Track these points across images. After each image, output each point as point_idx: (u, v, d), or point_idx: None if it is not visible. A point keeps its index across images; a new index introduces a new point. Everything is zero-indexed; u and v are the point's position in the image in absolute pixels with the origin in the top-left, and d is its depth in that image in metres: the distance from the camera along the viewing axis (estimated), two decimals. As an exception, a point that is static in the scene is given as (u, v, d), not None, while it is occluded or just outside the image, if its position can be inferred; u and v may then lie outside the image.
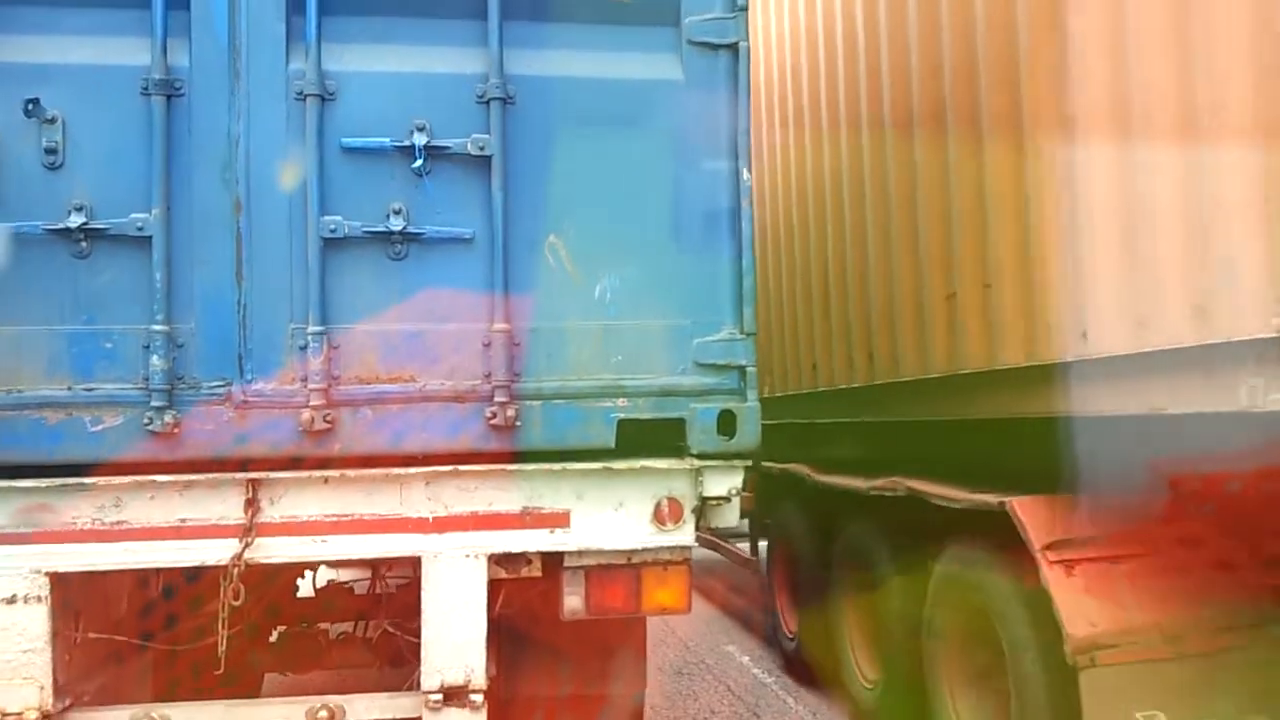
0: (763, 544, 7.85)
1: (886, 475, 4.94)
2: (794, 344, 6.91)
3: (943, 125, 4.64)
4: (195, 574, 3.03)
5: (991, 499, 3.90)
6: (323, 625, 4.12)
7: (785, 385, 7.04)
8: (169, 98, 2.82)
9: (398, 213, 2.90)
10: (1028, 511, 3.73)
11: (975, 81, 4.23)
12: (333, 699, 2.94)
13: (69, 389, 2.79)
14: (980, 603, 4.15)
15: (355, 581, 4.48)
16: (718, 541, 8.48)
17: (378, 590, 3.95)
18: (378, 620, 3.74)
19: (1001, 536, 3.79)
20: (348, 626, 4.09)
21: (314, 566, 3.65)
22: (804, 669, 6.55)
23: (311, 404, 2.84)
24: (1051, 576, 3.59)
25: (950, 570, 4.43)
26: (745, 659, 7.11)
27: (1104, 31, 3.32)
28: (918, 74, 4.82)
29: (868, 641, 5.59)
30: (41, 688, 2.73)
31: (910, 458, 5.12)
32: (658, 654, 6.86)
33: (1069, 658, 3.46)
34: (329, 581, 4.43)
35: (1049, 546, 3.63)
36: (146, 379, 2.79)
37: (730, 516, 3.15)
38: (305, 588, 4.39)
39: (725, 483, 3.06)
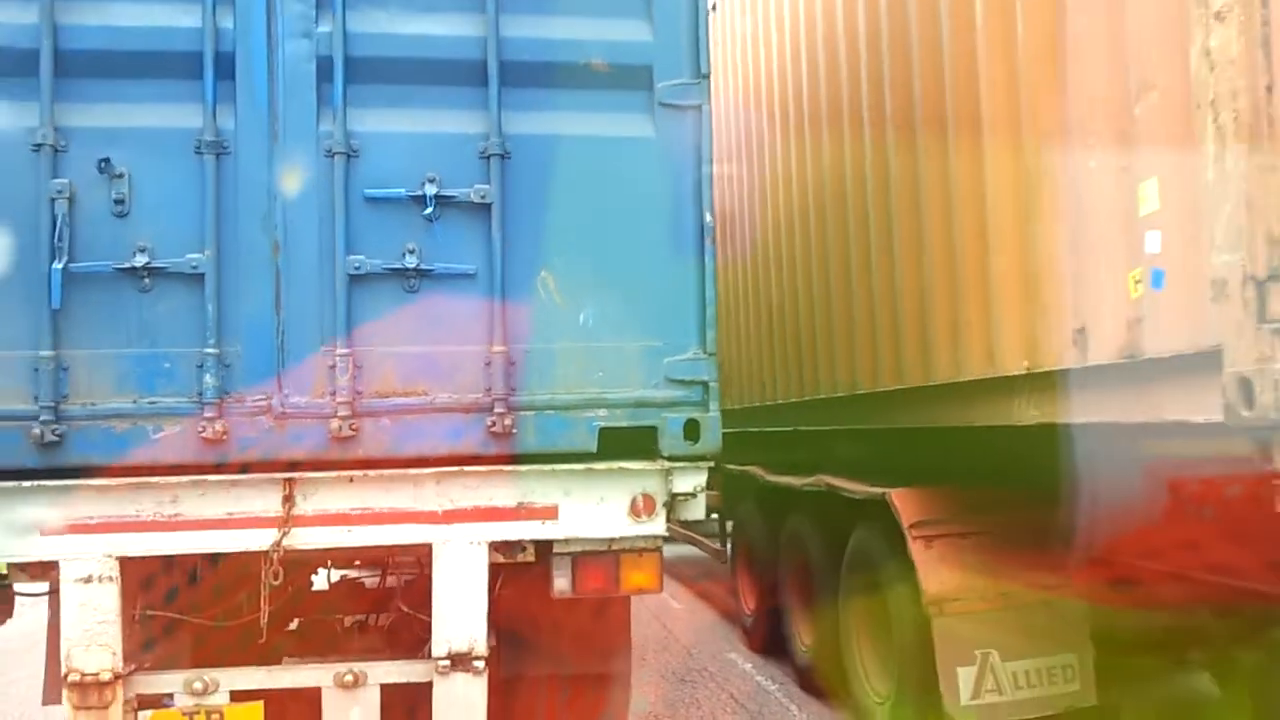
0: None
1: (816, 475, 5.88)
2: (749, 364, 7.94)
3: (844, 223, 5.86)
4: (235, 561, 3.55)
5: (878, 491, 4.92)
6: (338, 616, 4.67)
7: (744, 399, 7.98)
8: (218, 155, 3.36)
9: (412, 252, 3.45)
10: (901, 500, 4.77)
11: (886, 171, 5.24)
12: (356, 665, 3.47)
13: (134, 402, 3.32)
14: (874, 571, 5.20)
15: (365, 577, 5.04)
16: (693, 536, 9.16)
17: (387, 584, 4.51)
18: (388, 611, 4.29)
19: (890, 520, 4.77)
20: (360, 617, 4.65)
21: (340, 555, 4.13)
22: (759, 641, 7.61)
23: (339, 414, 3.38)
24: (915, 549, 4.60)
25: (857, 547, 5.50)
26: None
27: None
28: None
29: (806, 611, 6.50)
30: (113, 654, 3.26)
31: (836, 459, 6.20)
32: (660, 659, 7.48)
33: (924, 607, 4.46)
34: (342, 577, 4.98)
35: (914, 525, 4.66)
36: (200, 394, 3.32)
37: (696, 510, 3.68)
38: (319, 582, 4.95)
39: (691, 481, 3.61)
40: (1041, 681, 4.50)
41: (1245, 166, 2.88)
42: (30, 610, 3.73)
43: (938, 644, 4.48)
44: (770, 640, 7.34)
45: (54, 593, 3.43)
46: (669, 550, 6.67)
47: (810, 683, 6.44)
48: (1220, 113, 2.93)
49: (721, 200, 7.51)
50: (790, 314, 6.94)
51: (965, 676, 4.46)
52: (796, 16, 6.71)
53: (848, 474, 5.57)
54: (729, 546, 8.63)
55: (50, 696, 4.15)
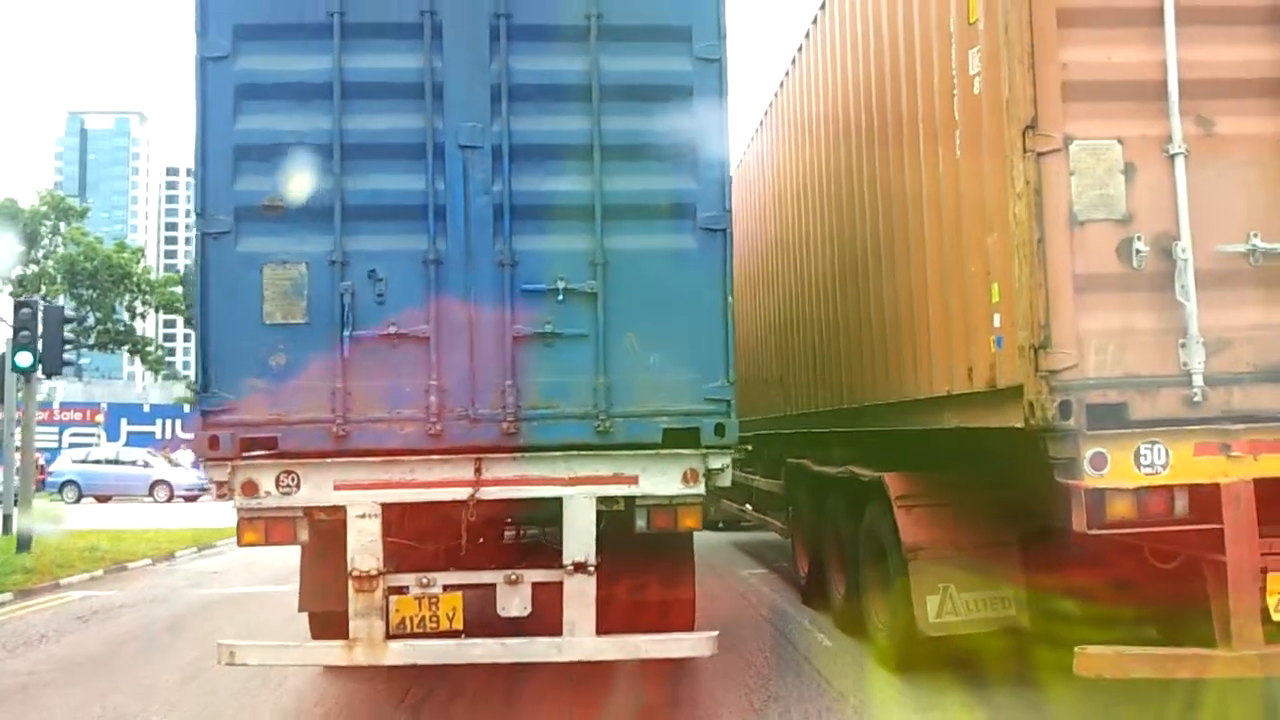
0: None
1: (846, 465, 8.08)
2: (799, 382, 10.49)
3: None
4: (447, 508, 6.02)
5: (879, 475, 7.20)
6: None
7: (800, 405, 10.35)
8: (437, 264, 5.89)
9: (549, 322, 5.90)
10: (892, 481, 7.05)
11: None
12: (515, 571, 5.98)
13: (388, 413, 5.86)
14: (878, 534, 7.37)
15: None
16: (767, 519, 11.60)
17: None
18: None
19: (887, 496, 7.01)
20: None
21: (504, 507, 6.50)
22: (810, 594, 9.93)
23: (506, 420, 5.87)
24: (899, 514, 6.83)
25: (868, 517, 7.64)
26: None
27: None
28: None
29: (839, 568, 8.70)
30: (377, 559, 5.77)
31: (862, 453, 8.33)
32: (731, 610, 9.93)
33: (904, 554, 6.68)
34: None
35: (899, 498, 6.90)
36: (426, 408, 5.85)
37: (725, 479, 6.04)
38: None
39: (720, 460, 6.00)
40: (986, 607, 6.65)
41: (1029, 282, 5.15)
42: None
43: (913, 580, 6.72)
44: (818, 595, 9.67)
45: (324, 525, 5.97)
46: (752, 535, 9.82)
47: (842, 623, 8.72)
48: (1020, 249, 5.21)
49: (769, 264, 10.47)
50: (822, 347, 9.57)
51: (932, 603, 6.66)
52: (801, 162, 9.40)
53: (867, 464, 7.81)
54: (790, 525, 11.02)
55: (304, 604, 6.84)
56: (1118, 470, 5.13)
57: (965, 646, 6.78)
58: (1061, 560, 6.37)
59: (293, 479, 5.81)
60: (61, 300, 58.29)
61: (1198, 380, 5.12)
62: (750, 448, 14.48)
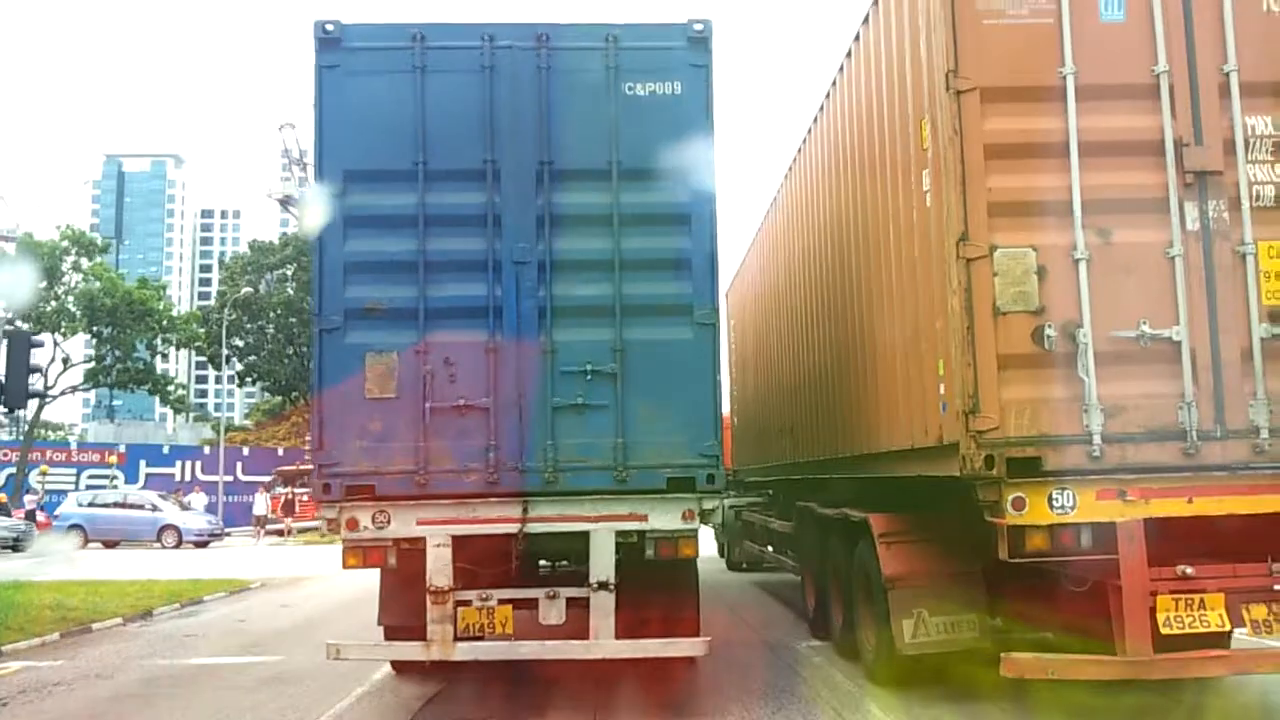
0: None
1: (840, 508, 9.53)
2: (799, 436, 12.07)
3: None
4: (500, 539, 7.73)
5: (865, 515, 8.59)
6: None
7: (806, 454, 11.84)
8: (495, 352, 7.64)
9: (580, 396, 7.66)
10: (876, 521, 8.41)
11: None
12: (553, 589, 7.67)
13: (458, 465, 7.58)
14: (866, 567, 8.70)
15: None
16: (784, 561, 13.11)
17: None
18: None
19: (872, 533, 8.37)
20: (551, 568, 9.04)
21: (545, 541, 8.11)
22: (817, 627, 11.32)
23: (548, 470, 7.54)
24: (880, 549, 8.18)
25: (859, 553, 8.99)
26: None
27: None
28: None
29: (838, 600, 10.07)
30: (448, 579, 7.48)
31: (854, 496, 9.72)
32: (743, 641, 11.40)
33: (884, 584, 8.03)
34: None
35: (881, 536, 8.25)
36: (486, 462, 7.53)
37: (716, 518, 7.90)
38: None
39: (711, 503, 7.75)
40: (953, 630, 7.99)
41: (961, 360, 6.66)
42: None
43: (891, 606, 8.08)
44: (823, 626, 11.08)
45: (409, 552, 7.66)
46: (773, 576, 11.81)
47: (841, 650, 10.10)
48: (955, 334, 6.73)
49: (781, 333, 12.19)
50: (821, 404, 11.10)
51: (908, 626, 8.00)
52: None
53: (860, 506, 9.21)
54: (800, 563, 12.49)
55: (382, 620, 8.57)
56: (1034, 511, 6.56)
57: (938, 664, 8.10)
58: (1011, 587, 7.75)
59: (385, 516, 7.62)
60: (79, 337, 57.05)
61: (1097, 439, 6.55)
62: (770, 492, 16.01)
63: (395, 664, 9.47)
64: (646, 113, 7.95)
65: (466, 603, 7.65)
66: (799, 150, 12.33)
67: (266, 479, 46.03)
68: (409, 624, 7.93)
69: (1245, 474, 6.67)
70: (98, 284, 54.25)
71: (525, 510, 7.64)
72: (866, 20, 8.86)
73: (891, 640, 8.11)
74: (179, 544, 33.88)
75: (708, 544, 21.19)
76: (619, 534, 7.73)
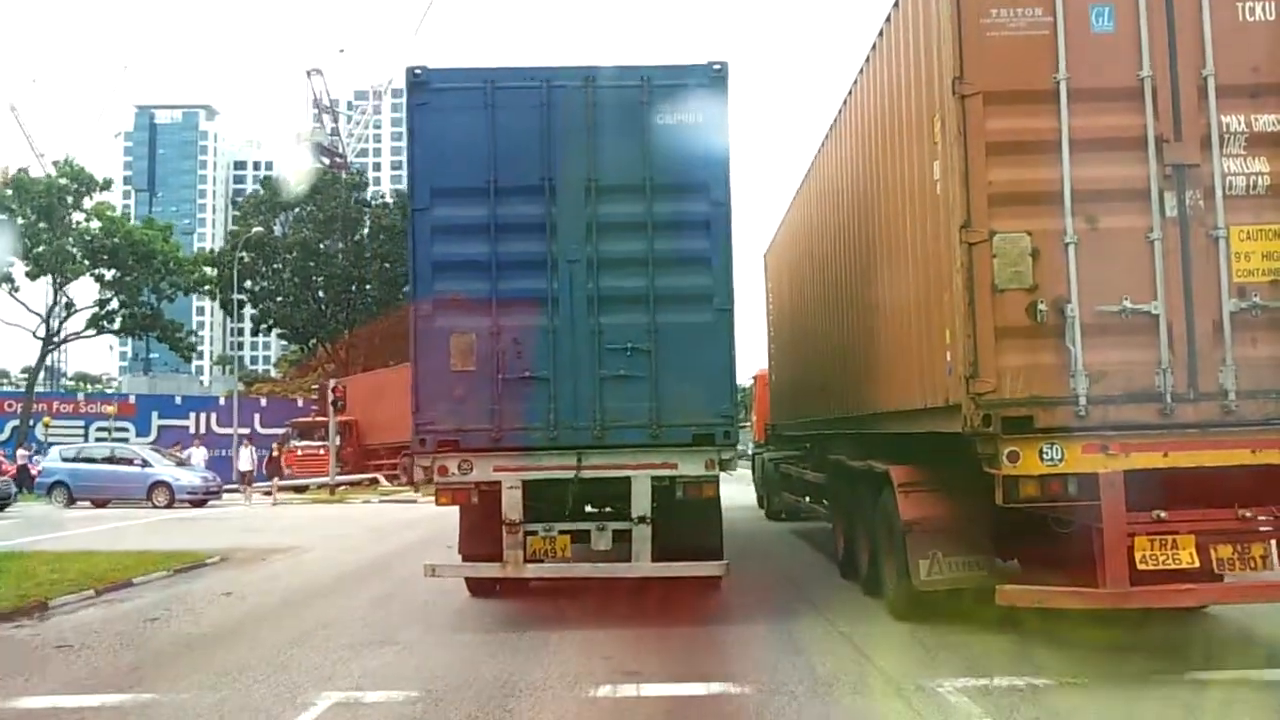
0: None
1: (866, 460, 10.73)
2: (827, 393, 13.41)
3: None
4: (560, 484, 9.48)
5: (888, 466, 9.74)
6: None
7: (837, 410, 13.06)
8: (554, 334, 9.75)
9: (622, 368, 9.68)
10: (895, 472, 9.58)
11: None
12: (602, 522, 9.56)
13: (524, 424, 9.57)
14: (888, 514, 9.84)
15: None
16: (816, 508, 14.40)
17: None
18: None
19: (893, 482, 9.52)
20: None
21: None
22: (846, 569, 12.60)
23: (597, 428, 9.51)
24: (899, 497, 9.34)
25: (881, 500, 10.15)
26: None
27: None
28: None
29: (864, 544, 11.32)
30: (519, 514, 9.48)
31: (880, 449, 10.90)
32: (781, 582, 12.72)
33: (903, 528, 9.20)
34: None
35: (900, 485, 9.40)
36: (548, 421, 9.50)
37: (733, 465, 9.66)
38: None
39: (729, 454, 9.63)
40: (965, 569, 9.16)
41: (963, 331, 7.81)
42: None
43: (909, 548, 9.25)
44: (852, 569, 12.33)
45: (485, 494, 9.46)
46: (810, 524, 15.02)
47: (868, 588, 11.32)
48: (958, 308, 7.88)
49: (815, 298, 13.77)
50: (850, 363, 12.31)
51: (924, 566, 9.17)
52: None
53: (884, 458, 10.35)
54: (831, 511, 13.75)
55: (463, 549, 10.62)
56: (1026, 463, 7.66)
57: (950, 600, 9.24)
58: (1012, 529, 8.84)
59: (468, 464, 9.68)
60: (85, 281, 52.76)
61: (1083, 400, 7.63)
62: (808, 446, 17.23)
63: (470, 584, 11.47)
64: (674, 138, 9.83)
65: (534, 532, 9.67)
66: (831, 126, 13.37)
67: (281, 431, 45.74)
68: (482, 552, 10.05)
69: (1215, 431, 7.68)
70: (98, 224, 51.76)
71: (579, 459, 9.59)
72: (889, 19, 9.98)
73: (909, 577, 9.26)
74: (171, 503, 30.86)
75: (745, 494, 22.74)
76: (654, 478, 9.69)
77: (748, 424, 24.03)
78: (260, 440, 44.93)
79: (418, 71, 9.99)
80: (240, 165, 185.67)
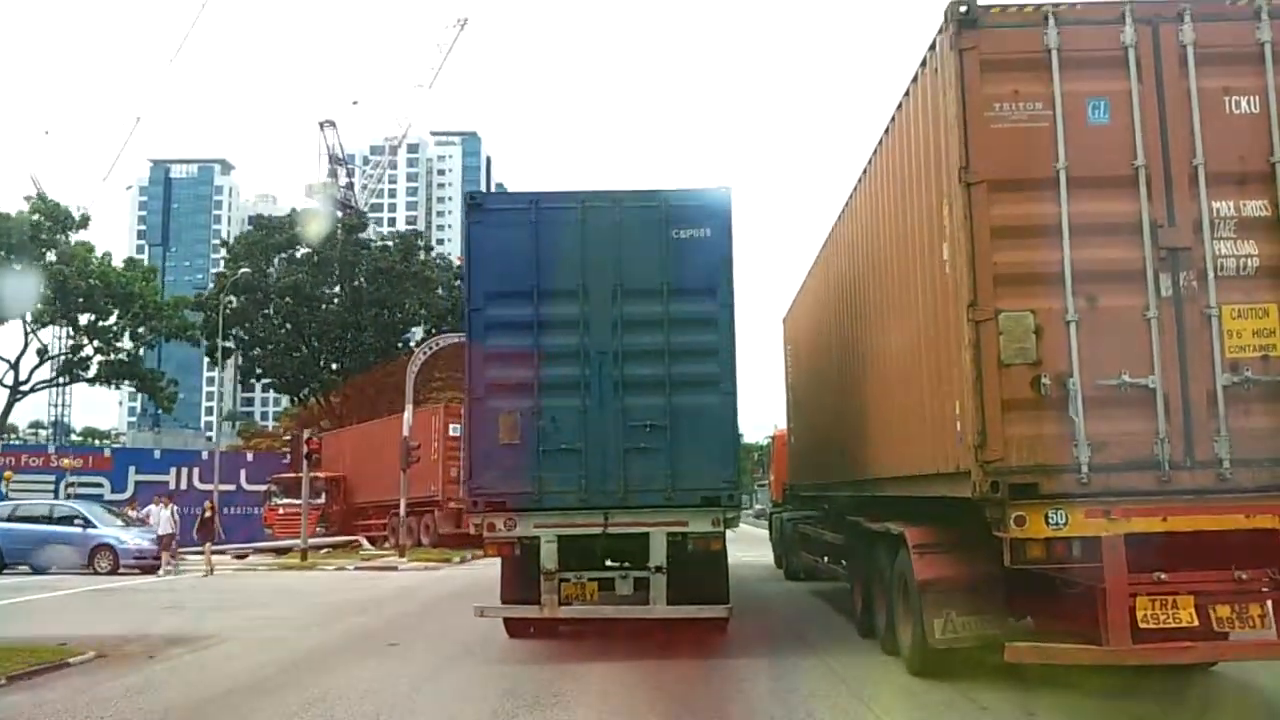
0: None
1: (883, 523, 11.32)
2: (844, 459, 13.91)
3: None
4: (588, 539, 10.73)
5: (903, 528, 10.29)
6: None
7: (854, 474, 13.70)
8: (585, 413, 11.57)
9: (642, 442, 11.57)
10: (910, 533, 10.12)
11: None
12: (624, 570, 10.93)
13: (561, 488, 10.94)
14: (904, 574, 10.38)
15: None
16: (834, 568, 15.01)
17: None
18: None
19: (908, 544, 10.05)
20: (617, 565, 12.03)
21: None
22: (864, 628, 13.05)
23: (621, 492, 10.77)
24: (914, 558, 9.87)
25: (897, 561, 10.69)
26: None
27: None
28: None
29: (882, 604, 11.86)
30: (555, 564, 11.00)
31: (897, 512, 11.44)
32: (798, 641, 13.33)
33: (918, 588, 9.74)
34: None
35: (915, 547, 9.94)
36: (580, 486, 10.58)
37: (735, 524, 11.34)
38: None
39: (732, 513, 11.21)
40: (979, 626, 9.57)
41: (972, 404, 8.47)
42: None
43: (924, 608, 9.73)
44: (870, 628, 12.86)
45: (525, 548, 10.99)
46: (828, 585, 15.78)
47: (886, 647, 11.77)
48: (966, 382, 8.56)
49: (832, 365, 14.80)
50: (867, 428, 12.94)
51: (939, 625, 9.61)
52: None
53: (901, 521, 10.84)
54: (850, 571, 14.33)
55: (505, 594, 12.16)
56: (1032, 527, 8.23)
57: (966, 656, 9.70)
58: (1024, 588, 9.28)
59: (512, 522, 11.56)
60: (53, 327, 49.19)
61: (1085, 468, 8.20)
62: (826, 507, 17.81)
63: (508, 625, 12.98)
64: (687, 250, 11.98)
65: (567, 580, 11.49)
66: (847, 201, 14.10)
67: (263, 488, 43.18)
68: (520, 597, 11.90)
69: (1211, 497, 8.22)
70: (69, 266, 48.54)
71: (606, 517, 11.48)
72: (900, 107, 10.74)
73: (924, 636, 9.74)
74: (115, 568, 27.20)
75: (762, 555, 23.20)
76: (668, 534, 11.52)
77: (765, 483, 24.55)
78: (246, 498, 42.75)
79: (474, 197, 12.43)
80: (255, 220, 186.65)
